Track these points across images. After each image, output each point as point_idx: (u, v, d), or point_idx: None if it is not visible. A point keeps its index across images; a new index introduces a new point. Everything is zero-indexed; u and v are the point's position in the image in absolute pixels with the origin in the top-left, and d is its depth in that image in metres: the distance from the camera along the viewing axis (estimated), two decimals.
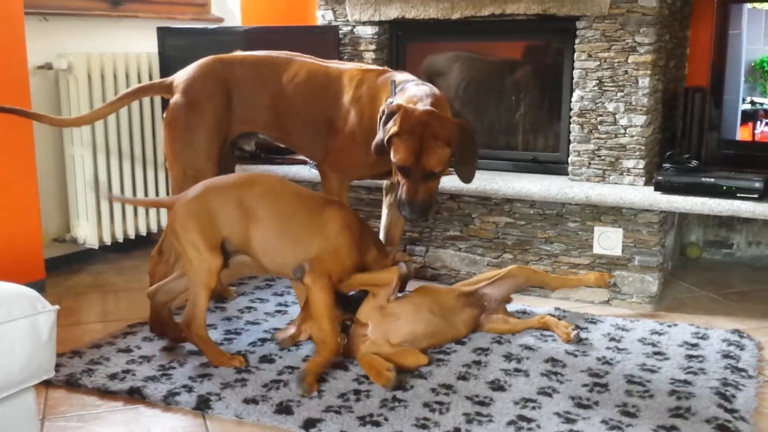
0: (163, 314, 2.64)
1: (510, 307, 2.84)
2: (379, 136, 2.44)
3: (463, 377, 2.36)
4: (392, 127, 2.38)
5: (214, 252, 2.40)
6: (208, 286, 2.41)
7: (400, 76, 2.67)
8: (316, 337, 2.39)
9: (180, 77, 2.74)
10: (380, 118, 2.45)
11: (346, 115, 2.69)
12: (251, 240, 2.42)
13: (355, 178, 2.85)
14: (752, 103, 3.06)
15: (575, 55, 3.14)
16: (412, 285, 2.70)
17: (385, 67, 2.81)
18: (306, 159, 3.58)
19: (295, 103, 2.74)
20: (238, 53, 2.84)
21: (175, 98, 2.70)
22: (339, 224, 2.41)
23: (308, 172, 3.47)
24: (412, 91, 2.53)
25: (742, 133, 3.09)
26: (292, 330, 2.49)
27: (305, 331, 2.46)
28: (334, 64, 2.83)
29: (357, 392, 2.26)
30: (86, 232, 3.49)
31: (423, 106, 2.43)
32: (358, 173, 2.80)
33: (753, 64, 3.06)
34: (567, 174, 3.25)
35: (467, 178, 2.53)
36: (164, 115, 2.74)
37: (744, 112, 3.08)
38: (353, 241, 2.43)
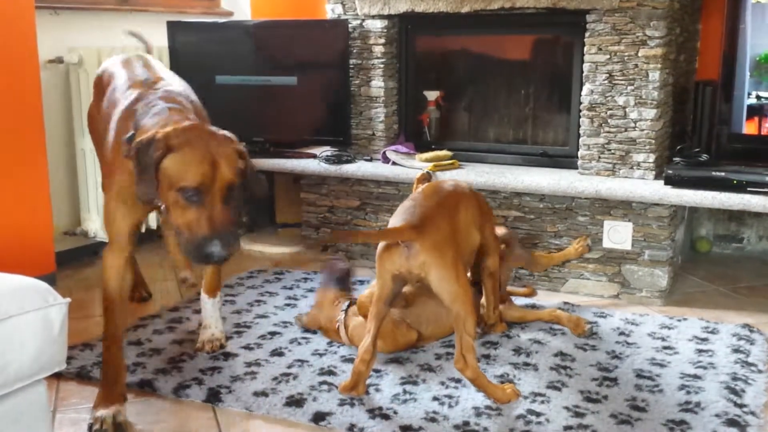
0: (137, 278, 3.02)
1: (518, 302, 2.84)
2: (144, 174, 1.93)
3: None
4: (161, 148, 1.91)
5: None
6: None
7: (151, 98, 2.17)
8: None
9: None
10: (135, 157, 1.94)
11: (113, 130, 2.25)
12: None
13: None
14: (758, 97, 3.04)
15: (585, 48, 3.12)
16: None
17: (158, 83, 2.30)
18: (315, 153, 3.59)
19: (99, 110, 2.51)
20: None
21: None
22: None
23: (317, 166, 3.47)
24: (150, 120, 2.07)
25: (748, 128, 3.07)
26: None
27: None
28: (135, 72, 2.38)
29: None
30: (97, 226, 3.50)
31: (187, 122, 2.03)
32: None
33: (758, 59, 3.04)
34: (577, 168, 3.24)
35: (260, 191, 2.19)
36: None
37: (750, 107, 3.06)
38: None
